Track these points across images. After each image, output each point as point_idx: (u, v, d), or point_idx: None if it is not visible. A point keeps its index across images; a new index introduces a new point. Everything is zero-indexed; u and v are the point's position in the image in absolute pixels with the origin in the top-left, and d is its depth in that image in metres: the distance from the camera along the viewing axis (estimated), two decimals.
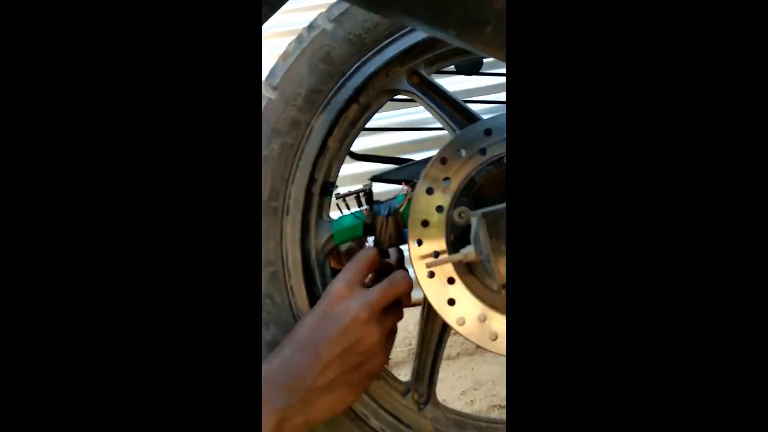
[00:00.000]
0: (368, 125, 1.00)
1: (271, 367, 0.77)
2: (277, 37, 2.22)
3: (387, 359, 0.84)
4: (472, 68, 1.18)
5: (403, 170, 0.98)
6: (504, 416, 1.37)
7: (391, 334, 0.86)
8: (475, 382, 1.79)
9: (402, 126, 2.15)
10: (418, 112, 2.19)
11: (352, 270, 0.84)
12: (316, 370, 0.77)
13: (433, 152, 0.90)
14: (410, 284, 0.86)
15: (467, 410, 1.67)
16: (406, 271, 0.88)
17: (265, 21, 0.73)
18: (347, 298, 0.81)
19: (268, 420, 0.73)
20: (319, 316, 0.81)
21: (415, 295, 0.89)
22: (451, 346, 1.95)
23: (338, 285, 0.82)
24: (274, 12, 0.75)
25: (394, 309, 0.86)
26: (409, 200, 0.91)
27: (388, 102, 1.00)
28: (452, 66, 1.06)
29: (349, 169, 1.94)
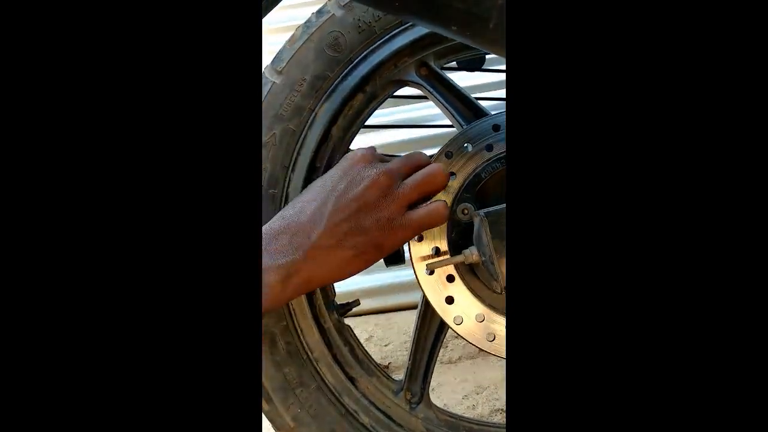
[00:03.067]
0: (369, 122, 0.98)
1: (273, 225, 0.72)
2: (277, 33, 2.21)
3: (402, 241, 0.75)
4: (474, 65, 1.16)
5: None
6: (503, 420, 1.35)
7: (417, 225, 0.75)
8: (477, 386, 1.77)
9: (403, 123, 2.14)
10: (419, 109, 2.18)
11: (397, 161, 0.76)
12: (323, 226, 0.71)
13: (434, 150, 0.88)
14: (445, 181, 0.78)
15: (469, 414, 1.66)
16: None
17: (266, 14, 0.72)
18: (370, 163, 0.74)
19: (271, 278, 0.68)
20: (334, 174, 0.74)
21: (416, 298, 0.87)
22: (452, 350, 1.93)
23: (363, 151, 0.76)
24: (274, 6, 0.74)
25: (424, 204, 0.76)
26: None
27: (390, 99, 0.98)
28: (454, 62, 1.04)
29: None
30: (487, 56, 1.10)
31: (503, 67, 1.27)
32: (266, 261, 0.69)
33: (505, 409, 1.66)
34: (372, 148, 0.77)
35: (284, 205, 0.89)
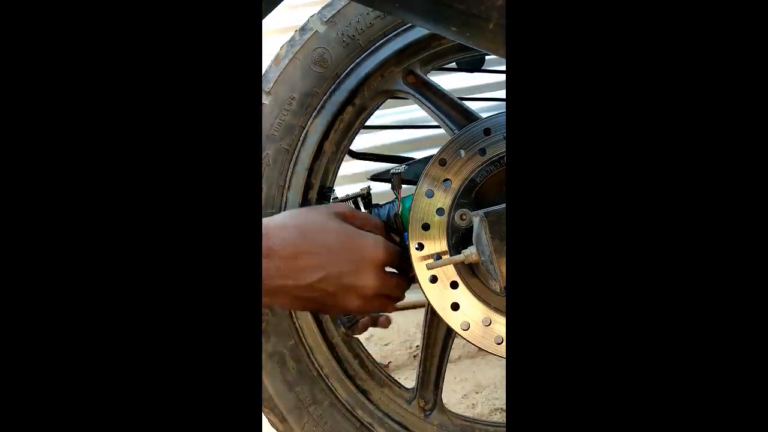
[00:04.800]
0: (368, 123, 0.98)
1: (272, 243, 0.75)
2: (277, 34, 2.19)
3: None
4: (474, 65, 1.16)
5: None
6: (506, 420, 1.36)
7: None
8: (476, 385, 1.78)
9: (402, 124, 2.14)
10: (418, 110, 2.18)
11: (391, 252, 0.84)
12: (305, 282, 0.77)
13: (434, 150, 0.89)
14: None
15: (468, 414, 1.66)
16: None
17: (265, 16, 0.72)
18: (376, 269, 0.81)
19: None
20: (350, 233, 0.81)
21: (416, 297, 0.88)
22: (452, 349, 1.92)
23: (379, 251, 0.82)
24: (274, 7, 0.73)
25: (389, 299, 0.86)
26: (404, 201, 0.90)
27: (389, 99, 0.98)
28: (453, 63, 1.05)
29: (348, 168, 1.93)
30: (486, 57, 1.10)
31: (503, 68, 1.27)
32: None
33: (504, 408, 1.67)
34: (385, 256, 0.82)
35: None
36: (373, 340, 2.02)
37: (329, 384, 0.89)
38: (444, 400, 1.13)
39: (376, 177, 1.02)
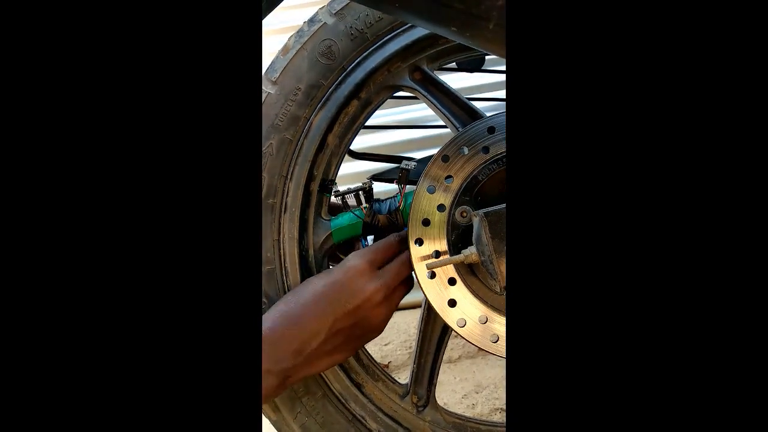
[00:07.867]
0: (369, 123, 0.98)
1: (275, 326, 0.79)
2: (276, 34, 2.20)
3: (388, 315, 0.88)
4: (475, 65, 1.16)
5: None
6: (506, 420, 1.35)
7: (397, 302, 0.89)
8: (476, 385, 1.78)
9: (402, 124, 2.14)
10: (419, 110, 2.18)
11: (373, 251, 0.86)
12: (324, 336, 0.80)
13: (434, 151, 0.89)
14: None
15: (468, 414, 1.66)
16: None
17: (265, 16, 0.72)
18: (366, 276, 0.83)
19: (271, 381, 0.77)
20: (334, 285, 0.83)
21: (416, 297, 0.88)
22: (452, 349, 1.93)
23: (358, 261, 0.84)
24: (274, 7, 0.74)
25: (404, 284, 0.87)
26: (406, 196, 0.90)
27: (390, 99, 0.98)
28: (454, 63, 1.04)
29: (348, 167, 1.94)
30: (486, 57, 1.10)
31: (503, 68, 1.27)
32: (267, 364, 0.76)
33: (504, 408, 1.67)
34: (367, 262, 0.84)
35: (283, 215, 0.89)
36: (373, 341, 2.03)
37: (323, 375, 0.89)
38: (444, 400, 1.13)
39: (377, 177, 1.02)
